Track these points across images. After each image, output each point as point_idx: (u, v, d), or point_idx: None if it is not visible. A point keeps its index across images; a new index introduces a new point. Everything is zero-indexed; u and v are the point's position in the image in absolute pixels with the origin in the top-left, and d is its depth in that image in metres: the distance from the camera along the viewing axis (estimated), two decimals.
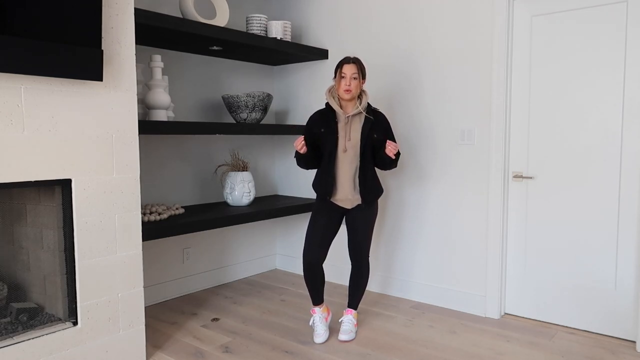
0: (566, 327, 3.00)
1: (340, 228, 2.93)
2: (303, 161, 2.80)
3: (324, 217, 2.78)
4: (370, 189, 2.77)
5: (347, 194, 2.76)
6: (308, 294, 3.65)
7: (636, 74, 2.68)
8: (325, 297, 3.53)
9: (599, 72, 2.79)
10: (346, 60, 2.70)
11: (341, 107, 2.76)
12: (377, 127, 2.76)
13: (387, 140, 2.69)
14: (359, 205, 2.79)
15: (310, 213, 3.95)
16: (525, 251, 3.11)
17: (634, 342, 2.77)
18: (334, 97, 2.76)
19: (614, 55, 2.74)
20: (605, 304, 2.86)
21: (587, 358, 2.60)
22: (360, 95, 2.76)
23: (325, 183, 2.75)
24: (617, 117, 2.75)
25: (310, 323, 2.88)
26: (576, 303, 2.95)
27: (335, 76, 2.74)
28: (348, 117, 2.73)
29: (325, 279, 3.09)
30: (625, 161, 2.74)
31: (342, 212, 2.82)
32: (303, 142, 2.68)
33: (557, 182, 2.96)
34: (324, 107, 2.83)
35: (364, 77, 2.73)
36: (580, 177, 2.89)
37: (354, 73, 2.67)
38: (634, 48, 2.67)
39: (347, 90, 2.67)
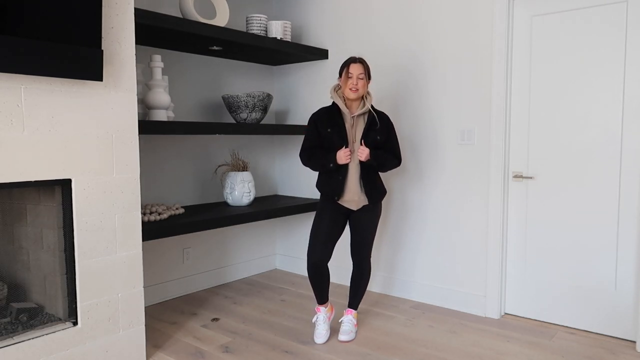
0: (566, 327, 3.00)
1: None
2: (324, 167, 2.74)
3: (329, 217, 2.77)
4: (376, 189, 2.78)
5: (353, 195, 2.75)
6: (308, 293, 3.66)
7: (636, 74, 2.68)
8: None
9: (599, 72, 2.79)
10: (352, 60, 2.69)
11: (346, 106, 2.76)
12: (381, 129, 2.76)
13: (360, 147, 2.68)
14: (364, 206, 2.79)
15: (312, 212, 3.99)
16: (525, 251, 3.11)
17: (634, 342, 2.77)
18: (339, 97, 2.76)
19: (614, 55, 2.74)
20: (605, 304, 2.86)
21: (587, 358, 2.61)
22: (365, 96, 2.76)
23: (335, 184, 2.74)
24: (617, 117, 2.75)
25: (314, 320, 2.88)
26: (576, 303, 2.95)
27: (340, 76, 2.73)
28: (353, 117, 2.73)
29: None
30: (625, 161, 2.74)
31: (347, 213, 2.82)
32: (349, 153, 2.66)
33: (557, 182, 2.96)
34: (329, 105, 2.82)
35: (369, 77, 2.72)
36: (580, 177, 2.89)
37: (360, 73, 2.67)
38: (634, 48, 2.67)
39: (355, 90, 2.66)
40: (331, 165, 2.70)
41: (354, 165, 2.74)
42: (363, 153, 2.67)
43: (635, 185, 2.72)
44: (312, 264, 2.77)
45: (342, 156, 2.67)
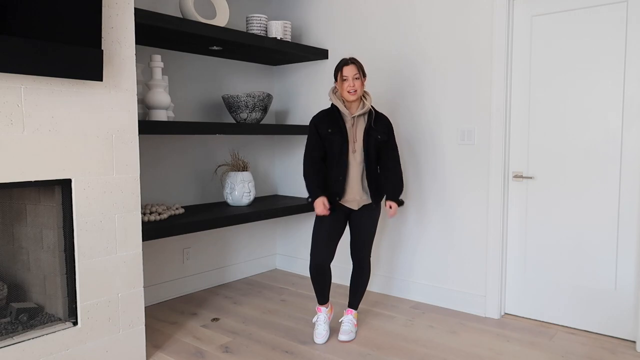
0: (566, 327, 3.00)
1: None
2: (308, 193, 2.80)
3: (330, 217, 2.77)
4: (378, 189, 2.79)
5: (355, 195, 2.76)
6: (308, 293, 3.66)
7: (636, 74, 2.68)
8: None
9: (599, 71, 2.79)
10: (344, 63, 2.69)
11: (346, 107, 2.76)
12: (380, 129, 2.76)
13: (389, 207, 2.79)
14: (365, 205, 2.80)
15: (312, 212, 3.98)
16: (525, 251, 3.11)
17: (634, 342, 2.77)
18: (338, 99, 2.75)
19: (614, 55, 2.74)
20: (605, 304, 2.86)
21: (587, 358, 2.61)
22: (364, 95, 2.76)
23: (336, 184, 2.74)
24: (617, 117, 2.75)
25: (314, 320, 2.89)
26: (576, 303, 2.95)
27: (335, 79, 2.73)
28: (354, 117, 2.73)
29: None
30: (625, 161, 2.74)
31: (348, 212, 2.82)
32: (324, 207, 2.69)
33: (557, 182, 2.96)
34: (328, 107, 2.83)
35: (364, 75, 2.73)
36: (580, 177, 2.89)
37: (355, 74, 2.66)
38: (634, 48, 2.67)
39: (353, 92, 2.66)
40: (309, 199, 2.75)
41: (355, 165, 2.74)
42: (393, 210, 2.79)
43: (636, 185, 2.72)
44: (315, 264, 2.77)
45: (317, 207, 2.68)
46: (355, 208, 2.80)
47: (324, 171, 2.77)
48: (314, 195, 2.72)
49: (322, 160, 2.78)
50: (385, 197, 2.85)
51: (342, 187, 2.73)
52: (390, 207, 2.81)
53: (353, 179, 2.74)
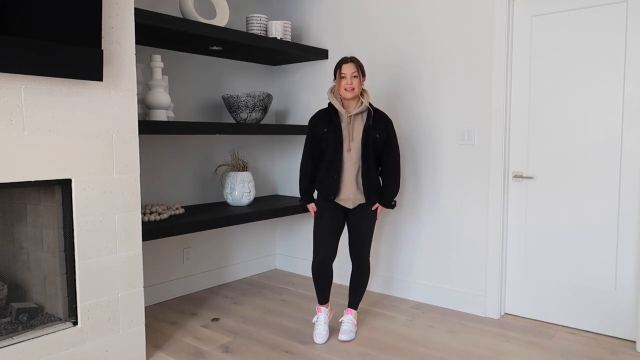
0: (566, 327, 3.00)
1: None
2: (300, 191, 2.98)
3: (329, 217, 2.78)
4: (373, 189, 2.78)
5: (349, 194, 2.76)
6: (308, 293, 3.66)
7: (636, 74, 2.68)
8: None
9: (599, 71, 2.79)
10: (344, 61, 2.70)
11: (343, 106, 2.76)
12: (379, 128, 2.76)
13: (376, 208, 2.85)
14: (360, 205, 2.80)
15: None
16: (525, 251, 3.11)
17: (634, 342, 2.77)
18: (336, 98, 2.76)
19: (614, 55, 2.74)
20: (605, 304, 2.86)
21: (587, 358, 2.61)
22: (362, 94, 2.76)
23: (331, 183, 2.75)
24: (617, 117, 2.75)
25: (314, 320, 2.89)
26: (576, 303, 2.95)
27: (335, 77, 2.74)
28: (350, 116, 2.73)
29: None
30: (625, 161, 2.74)
31: (345, 211, 2.83)
32: (313, 213, 2.91)
33: (557, 182, 2.97)
34: (326, 107, 2.84)
35: (363, 75, 2.73)
36: (580, 177, 2.89)
37: (353, 72, 2.67)
38: (634, 48, 2.67)
39: (350, 89, 2.67)
40: (301, 201, 2.94)
41: (350, 164, 2.74)
42: (379, 213, 2.87)
43: (636, 185, 2.72)
44: (318, 263, 2.77)
45: (310, 211, 2.92)
46: (350, 207, 2.80)
47: (314, 172, 2.88)
48: (302, 200, 2.94)
49: (316, 160, 2.86)
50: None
51: (337, 186, 2.74)
52: (377, 209, 2.86)
53: (347, 178, 2.75)
